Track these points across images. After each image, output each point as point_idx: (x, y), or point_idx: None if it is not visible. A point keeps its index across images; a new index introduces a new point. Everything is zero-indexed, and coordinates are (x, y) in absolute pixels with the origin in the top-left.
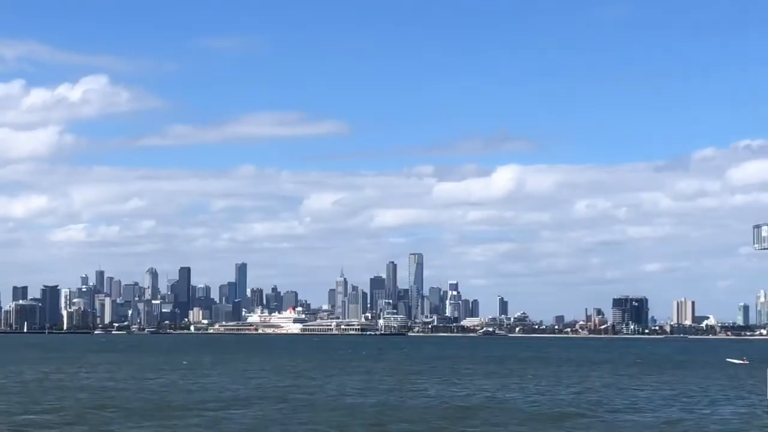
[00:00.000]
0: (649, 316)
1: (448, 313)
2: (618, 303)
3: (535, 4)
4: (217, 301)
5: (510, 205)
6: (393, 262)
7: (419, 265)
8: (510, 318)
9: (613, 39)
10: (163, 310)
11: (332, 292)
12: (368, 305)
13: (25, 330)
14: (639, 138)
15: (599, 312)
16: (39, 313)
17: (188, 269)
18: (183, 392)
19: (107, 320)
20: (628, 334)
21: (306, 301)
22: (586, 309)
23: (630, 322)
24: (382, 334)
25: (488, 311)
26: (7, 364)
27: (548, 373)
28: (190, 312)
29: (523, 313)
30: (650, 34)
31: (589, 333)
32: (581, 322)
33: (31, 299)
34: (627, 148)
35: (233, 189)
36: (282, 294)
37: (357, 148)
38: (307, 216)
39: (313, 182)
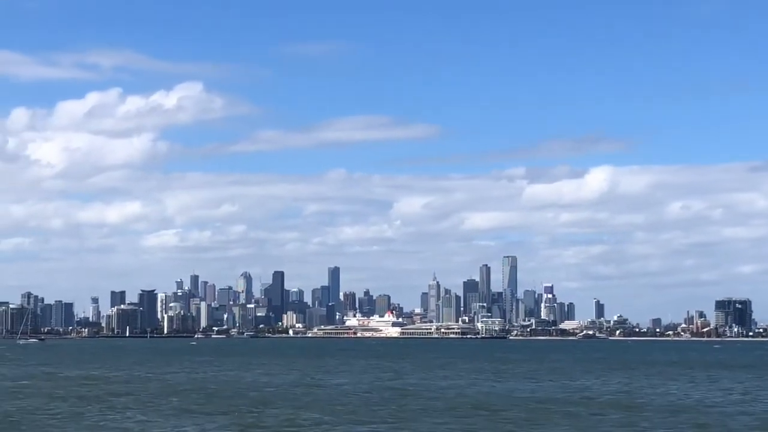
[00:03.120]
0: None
1: (543, 317)
2: (721, 305)
3: (629, 6)
4: (311, 305)
5: (603, 207)
6: (486, 265)
7: (513, 268)
8: (610, 321)
9: (707, 38)
10: (258, 314)
11: (425, 296)
12: (462, 309)
13: (127, 334)
14: (734, 138)
15: (701, 314)
16: (140, 317)
17: (282, 273)
18: (497, 394)
19: (203, 324)
20: (731, 337)
21: (399, 304)
22: (688, 311)
23: (733, 324)
24: (483, 338)
25: (583, 314)
26: (227, 369)
27: (738, 377)
28: (284, 316)
29: (620, 315)
30: (744, 33)
31: (692, 336)
32: (683, 325)
33: (129, 304)
34: (721, 148)
35: (323, 193)
36: (375, 298)
37: (447, 151)
38: (397, 219)
39: (403, 186)
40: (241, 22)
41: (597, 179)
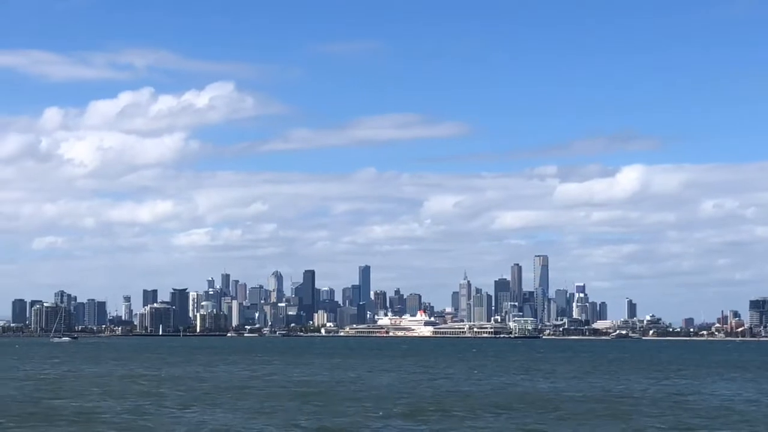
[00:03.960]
0: None
1: (575, 316)
2: (756, 305)
3: (662, 6)
4: (341, 304)
5: (634, 206)
6: (518, 264)
7: (544, 267)
8: (643, 321)
9: (740, 37)
10: (289, 313)
11: (455, 295)
12: (493, 308)
13: (160, 333)
14: (767, 136)
15: (735, 314)
16: (173, 316)
17: (312, 272)
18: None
19: (234, 323)
20: (766, 337)
21: (429, 303)
22: (722, 311)
23: None
24: (516, 337)
25: (615, 314)
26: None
27: None
28: (315, 315)
29: (653, 315)
30: None
31: (725, 336)
32: (716, 325)
33: (161, 302)
34: (754, 146)
35: (354, 192)
36: (405, 297)
37: (478, 149)
38: (427, 218)
39: (433, 184)
40: (272, 22)
41: (629, 178)
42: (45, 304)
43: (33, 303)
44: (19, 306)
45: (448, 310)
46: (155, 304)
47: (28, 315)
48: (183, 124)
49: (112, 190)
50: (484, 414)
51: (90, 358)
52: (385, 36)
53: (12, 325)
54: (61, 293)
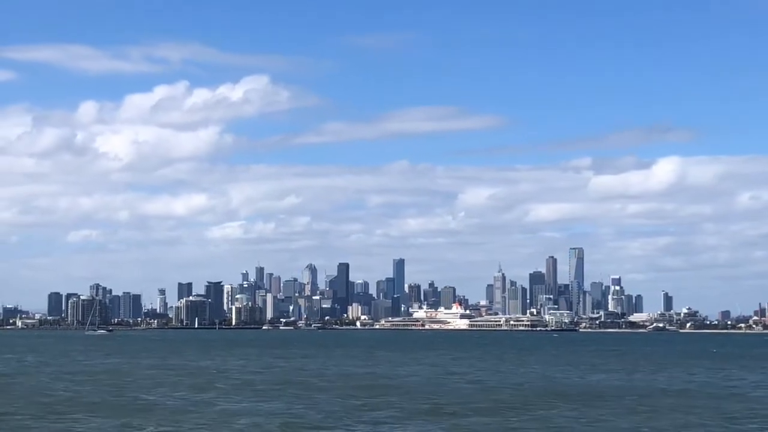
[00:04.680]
0: None
1: (611, 309)
2: None
3: None
4: (376, 297)
5: (670, 198)
6: (553, 257)
7: (580, 260)
8: (680, 313)
9: None
10: (323, 306)
11: (490, 288)
12: (528, 301)
13: (195, 326)
14: None
15: None
16: (208, 309)
17: (347, 265)
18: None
19: (269, 316)
20: None
21: (464, 296)
22: (759, 303)
23: None
24: (553, 330)
25: (651, 306)
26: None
27: None
28: (349, 308)
29: (689, 308)
30: None
31: (764, 329)
32: (754, 318)
33: (196, 295)
34: None
35: (387, 185)
36: (440, 290)
37: (513, 141)
38: (461, 211)
39: (467, 177)
40: (306, 14)
41: (664, 170)
42: (81, 297)
43: (69, 296)
44: (54, 299)
45: (483, 303)
46: (191, 297)
47: (63, 308)
48: (218, 117)
49: (147, 183)
50: None
51: (144, 350)
52: (419, 27)
53: (48, 318)
54: (97, 286)
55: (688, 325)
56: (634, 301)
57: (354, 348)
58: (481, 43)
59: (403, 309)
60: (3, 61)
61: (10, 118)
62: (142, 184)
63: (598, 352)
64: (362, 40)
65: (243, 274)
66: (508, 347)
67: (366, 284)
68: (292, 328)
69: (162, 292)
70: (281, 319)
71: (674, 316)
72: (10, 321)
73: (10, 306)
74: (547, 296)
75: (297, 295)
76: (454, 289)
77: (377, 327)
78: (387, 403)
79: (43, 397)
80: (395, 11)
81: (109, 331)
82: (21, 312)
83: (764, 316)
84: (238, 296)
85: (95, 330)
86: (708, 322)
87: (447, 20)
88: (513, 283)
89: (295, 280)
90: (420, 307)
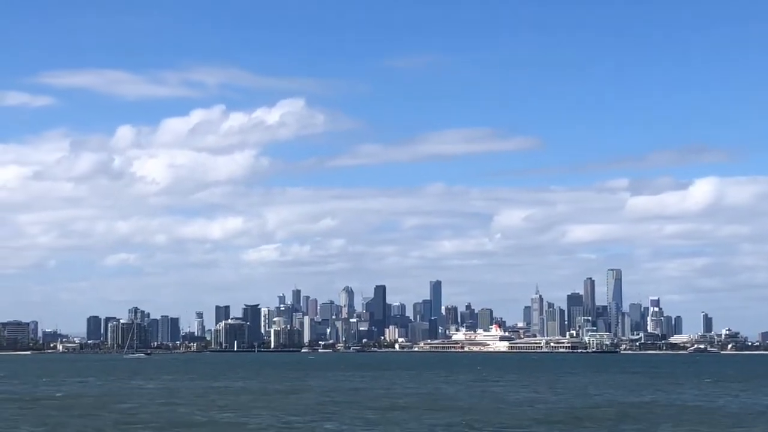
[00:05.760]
0: None
1: (650, 330)
2: None
3: (731, 10)
4: (413, 319)
5: (707, 219)
6: (590, 278)
7: (618, 281)
8: (720, 334)
9: None
10: (360, 329)
11: (527, 309)
12: (566, 323)
13: (235, 348)
14: None
15: None
16: (247, 332)
17: (383, 287)
18: None
19: (306, 339)
20: None
21: (501, 318)
22: None
23: None
24: (594, 352)
25: (690, 328)
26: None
27: None
28: (386, 330)
29: (729, 329)
30: None
31: None
32: None
33: (233, 318)
34: None
35: (423, 207)
36: (477, 312)
37: (548, 163)
38: (497, 233)
39: (503, 199)
40: (341, 38)
41: (702, 190)
42: (121, 321)
43: (108, 319)
44: (93, 322)
45: (520, 324)
46: (229, 320)
47: (102, 331)
48: (254, 140)
49: (184, 207)
50: None
51: (205, 374)
52: (453, 49)
53: (88, 341)
54: (135, 309)
55: (729, 346)
56: (673, 322)
57: (424, 370)
58: (516, 64)
59: (440, 331)
60: (41, 86)
61: (49, 143)
62: (179, 208)
63: (679, 374)
64: (397, 62)
65: (279, 297)
66: (575, 369)
67: (403, 306)
68: (331, 350)
69: (200, 315)
70: (320, 342)
71: (715, 337)
72: (51, 345)
73: (49, 330)
74: (586, 318)
75: (334, 317)
76: (491, 311)
77: (416, 349)
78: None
79: None
80: (429, 33)
81: (147, 354)
82: (60, 336)
83: None
84: (275, 319)
85: (134, 353)
86: (749, 343)
87: (481, 42)
88: (551, 305)
89: (332, 302)
90: (457, 330)
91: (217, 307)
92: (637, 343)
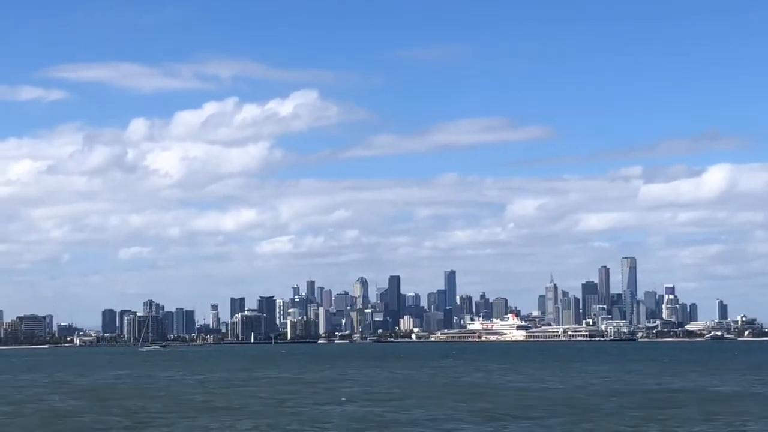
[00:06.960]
0: None
1: (666, 318)
2: None
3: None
4: (427, 309)
5: (721, 206)
6: (605, 267)
7: (632, 269)
8: (737, 321)
9: None
10: (375, 319)
11: (542, 298)
12: (581, 311)
13: (251, 340)
14: None
15: None
16: (264, 323)
17: (398, 278)
18: None
19: (321, 330)
20: None
21: (516, 307)
22: None
23: None
24: (611, 340)
25: (706, 315)
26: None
27: None
28: (401, 320)
29: (745, 316)
30: None
31: None
32: None
33: (249, 310)
34: None
35: (436, 197)
36: (491, 301)
37: (561, 152)
38: (510, 222)
39: (516, 188)
40: (353, 29)
41: (715, 178)
42: (137, 314)
43: (123, 312)
44: (108, 316)
45: (535, 313)
46: (245, 312)
47: (117, 324)
48: (267, 132)
49: (197, 199)
50: None
51: (241, 368)
52: (466, 40)
53: (104, 335)
54: (150, 302)
55: (746, 332)
56: (688, 309)
57: (455, 359)
58: (529, 54)
59: (455, 321)
60: (54, 80)
61: (62, 136)
62: (192, 201)
63: (719, 360)
64: (409, 53)
65: (294, 288)
66: (610, 357)
67: (417, 296)
68: (347, 341)
69: (215, 307)
70: (336, 333)
71: (731, 324)
72: (68, 339)
73: (64, 324)
74: (601, 306)
75: (349, 308)
76: (506, 300)
77: (432, 339)
78: None
79: None
80: (442, 24)
81: (163, 347)
82: (76, 329)
83: None
84: (290, 310)
85: (149, 346)
86: (766, 330)
87: (494, 32)
88: (566, 294)
89: (346, 293)
90: (472, 319)
91: (232, 300)
92: (654, 331)
